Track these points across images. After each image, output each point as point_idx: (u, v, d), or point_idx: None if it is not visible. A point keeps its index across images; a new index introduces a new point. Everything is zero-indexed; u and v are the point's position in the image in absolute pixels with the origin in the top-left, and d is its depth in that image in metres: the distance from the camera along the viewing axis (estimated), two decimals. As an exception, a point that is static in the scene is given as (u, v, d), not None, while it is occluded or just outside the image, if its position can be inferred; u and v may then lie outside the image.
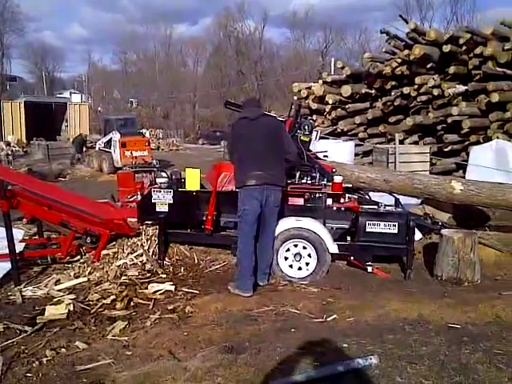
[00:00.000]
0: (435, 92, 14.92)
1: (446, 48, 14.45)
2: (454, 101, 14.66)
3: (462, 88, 14.44)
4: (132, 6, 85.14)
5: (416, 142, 15.38)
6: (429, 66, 15.20)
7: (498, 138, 12.82)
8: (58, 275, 5.12)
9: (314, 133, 5.52)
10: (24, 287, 4.87)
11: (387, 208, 4.97)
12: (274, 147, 4.52)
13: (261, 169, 4.40)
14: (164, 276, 5.04)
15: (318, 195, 4.95)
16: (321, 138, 13.59)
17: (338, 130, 16.52)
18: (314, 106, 17.10)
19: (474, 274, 4.65)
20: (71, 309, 4.28)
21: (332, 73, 36.23)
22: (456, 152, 14.59)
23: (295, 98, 19.04)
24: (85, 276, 5.06)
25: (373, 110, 16.14)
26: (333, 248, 4.74)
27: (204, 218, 5.14)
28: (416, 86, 15.29)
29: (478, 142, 13.58)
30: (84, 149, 19.23)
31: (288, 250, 4.87)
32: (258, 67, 53.32)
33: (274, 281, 4.84)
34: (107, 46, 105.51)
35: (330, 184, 5.06)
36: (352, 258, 4.92)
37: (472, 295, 4.36)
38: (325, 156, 6.02)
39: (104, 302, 4.46)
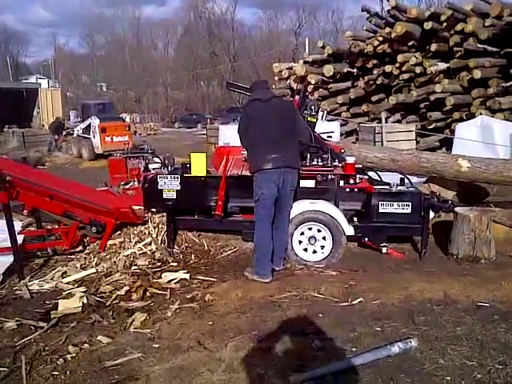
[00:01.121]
0: (417, 70, 14.95)
1: (428, 25, 14.44)
2: (435, 78, 14.72)
3: (443, 65, 14.50)
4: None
5: (399, 121, 15.43)
6: (410, 43, 15.19)
7: (481, 114, 12.96)
8: (63, 267, 4.93)
9: (320, 113, 5.40)
10: (29, 281, 4.67)
11: (399, 188, 4.92)
12: (288, 129, 4.40)
13: (277, 152, 4.27)
14: (175, 264, 4.90)
15: (330, 177, 4.85)
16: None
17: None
18: (296, 86, 16.95)
19: (490, 251, 4.66)
20: (85, 302, 4.11)
21: (307, 52, 36.08)
22: (439, 129, 14.73)
23: (276, 78, 18.89)
24: (92, 267, 4.88)
25: (355, 89, 16.09)
26: (349, 230, 4.68)
27: (212, 204, 5.01)
28: (398, 64, 15.27)
29: (461, 119, 13.70)
30: (63, 133, 18.61)
31: (302, 233, 4.79)
32: (230, 48, 52.61)
33: (289, 265, 4.76)
34: (73, 30, 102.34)
35: (341, 165, 4.98)
36: (366, 239, 4.87)
37: (492, 272, 4.37)
38: (328, 136, 5.91)
39: (118, 293, 4.30)
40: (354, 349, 3.15)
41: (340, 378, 2.80)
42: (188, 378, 2.91)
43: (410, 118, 15.22)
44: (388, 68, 15.40)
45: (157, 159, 8.05)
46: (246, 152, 4.54)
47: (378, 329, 3.41)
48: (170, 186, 4.98)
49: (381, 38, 15.28)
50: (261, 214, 4.35)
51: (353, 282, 4.22)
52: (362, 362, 2.94)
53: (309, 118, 5.19)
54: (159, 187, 5.00)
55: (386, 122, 14.44)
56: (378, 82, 16.08)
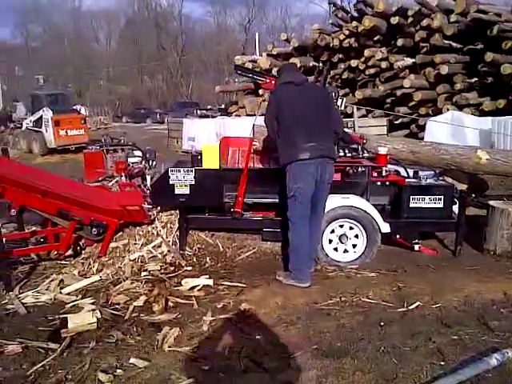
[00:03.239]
0: (383, 65, 14.95)
1: (394, 20, 14.46)
2: (401, 73, 14.77)
3: (409, 61, 14.56)
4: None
5: (364, 116, 15.38)
6: (376, 38, 15.18)
7: (448, 109, 13.10)
8: (57, 275, 4.25)
9: (340, 100, 4.99)
10: (20, 293, 3.97)
11: (429, 181, 4.61)
12: (324, 116, 3.95)
13: (314, 140, 3.81)
14: (190, 269, 4.35)
15: (360, 169, 4.45)
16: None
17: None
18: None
19: (528, 246, 4.45)
20: (99, 316, 3.48)
21: (257, 48, 35.82)
22: (406, 125, 14.80)
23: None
24: (93, 274, 4.24)
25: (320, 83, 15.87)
26: (385, 227, 4.30)
27: (228, 200, 4.50)
28: (364, 59, 15.24)
29: (427, 114, 13.82)
30: (10, 125, 17.14)
31: (333, 231, 4.37)
32: (178, 42, 51.29)
33: (318, 266, 4.33)
34: (5, 18, 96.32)
35: (369, 156, 4.61)
36: (398, 236, 4.51)
37: (539, 269, 4.15)
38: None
39: (135, 304, 3.72)
40: (442, 363, 2.77)
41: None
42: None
43: (376, 113, 15.20)
44: (354, 62, 15.33)
45: (137, 152, 7.42)
46: (278, 141, 4.01)
47: (455, 337, 3.06)
48: (182, 181, 4.41)
49: (347, 32, 15.16)
50: (297, 210, 3.88)
51: (400, 284, 3.86)
52: (464, 379, 2.56)
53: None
54: (171, 182, 4.41)
55: (352, 116, 14.31)
56: (343, 77, 15.98)
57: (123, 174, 5.96)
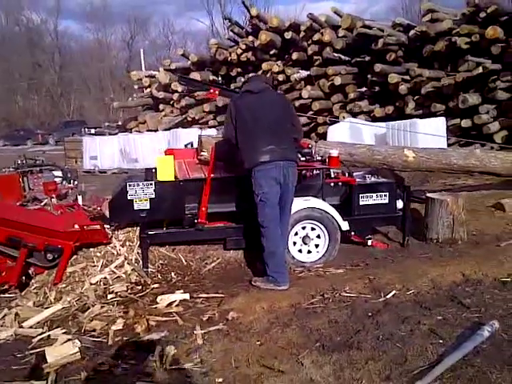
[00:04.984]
0: (280, 77, 15.60)
1: (288, 35, 15.20)
2: (297, 85, 15.52)
3: (305, 73, 15.35)
4: None
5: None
6: (272, 52, 15.79)
7: (343, 117, 14.02)
8: (9, 310, 3.84)
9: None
10: (-30, 333, 3.53)
11: (373, 179, 4.93)
12: (283, 122, 4.06)
13: (272, 143, 3.91)
14: (157, 286, 4.19)
15: (315, 172, 4.63)
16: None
17: (189, 119, 16.10)
18: (160, 94, 16.33)
19: (464, 232, 4.93)
20: (79, 345, 3.21)
21: (142, 63, 35.29)
22: (305, 133, 15.49)
23: (136, 87, 17.86)
24: (51, 304, 3.90)
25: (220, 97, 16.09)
26: (344, 225, 4.52)
27: (188, 212, 4.41)
28: (261, 72, 15.75)
29: (324, 123, 14.65)
30: None
31: (296, 233, 4.48)
32: (56, 59, 48.50)
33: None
34: None
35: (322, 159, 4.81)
36: (353, 233, 4.75)
37: (479, 251, 4.59)
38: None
39: (114, 328, 3.49)
40: (440, 341, 2.99)
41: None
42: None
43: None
44: (252, 76, 15.75)
45: (57, 172, 6.97)
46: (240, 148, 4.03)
47: (440, 317, 3.31)
48: (141, 195, 4.23)
49: (244, 47, 15.59)
50: (268, 214, 3.93)
51: (371, 277, 4.06)
52: (467, 351, 2.79)
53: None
54: (129, 197, 4.21)
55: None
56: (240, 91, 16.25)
57: (54, 196, 5.53)
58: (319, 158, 4.79)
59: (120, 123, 19.78)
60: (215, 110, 16.06)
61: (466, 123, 11.94)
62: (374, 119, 13.69)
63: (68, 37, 52.72)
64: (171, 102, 16.47)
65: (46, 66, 48.21)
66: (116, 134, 15.56)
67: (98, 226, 4.14)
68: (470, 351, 2.80)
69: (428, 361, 2.80)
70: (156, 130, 15.27)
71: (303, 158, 4.69)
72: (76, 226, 4.04)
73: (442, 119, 11.06)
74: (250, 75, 4.79)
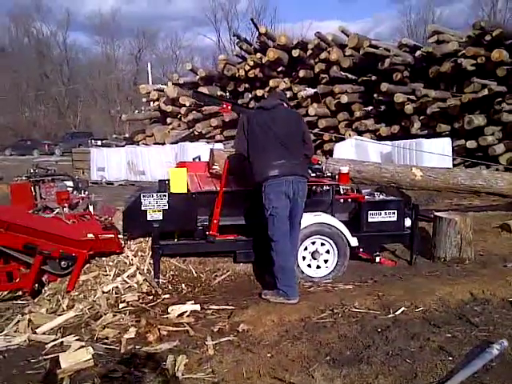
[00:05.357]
0: (287, 94, 15.76)
1: (296, 52, 15.40)
2: (304, 103, 15.69)
3: (311, 91, 15.53)
4: None
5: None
6: (279, 69, 15.99)
7: (349, 135, 14.14)
8: (23, 316, 3.89)
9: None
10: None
11: (381, 197, 5.00)
12: (294, 138, 4.15)
13: (282, 158, 3.99)
14: (167, 296, 4.24)
15: (325, 188, 4.71)
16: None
17: (196, 133, 16.26)
18: (168, 108, 16.51)
19: (472, 251, 4.98)
20: (92, 352, 3.26)
21: (149, 77, 35.63)
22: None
23: (144, 100, 18.13)
24: (63, 311, 3.95)
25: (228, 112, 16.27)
26: (353, 241, 4.57)
27: (200, 224, 4.48)
28: (268, 89, 15.95)
29: (330, 140, 14.78)
30: None
31: (306, 248, 4.54)
32: (64, 70, 49.03)
33: (295, 284, 4.46)
34: None
35: (331, 175, 4.89)
36: (361, 250, 4.81)
37: (486, 271, 4.64)
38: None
39: (126, 336, 3.53)
40: (450, 358, 3.03)
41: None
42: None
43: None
44: (259, 92, 15.96)
45: (68, 182, 7.06)
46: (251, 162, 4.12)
47: (449, 335, 3.36)
48: (155, 206, 4.31)
49: (252, 63, 15.79)
50: (279, 229, 4.00)
51: (379, 293, 4.10)
52: (477, 369, 2.84)
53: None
54: (143, 207, 4.29)
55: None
56: (250, 106, 16.49)
57: (66, 205, 5.61)
58: (329, 175, 4.87)
59: (127, 135, 19.96)
60: (222, 124, 16.22)
61: (471, 144, 12.03)
62: (380, 138, 13.79)
63: (76, 49, 53.42)
64: (179, 116, 16.63)
65: (53, 78, 48.73)
66: (123, 146, 15.68)
67: (112, 236, 4.21)
68: (480, 369, 2.85)
69: (438, 377, 2.84)
70: (163, 143, 15.41)
71: (313, 174, 4.76)
72: (90, 235, 4.10)
73: (448, 140, 11.13)
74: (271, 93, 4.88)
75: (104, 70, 48.40)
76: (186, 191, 4.52)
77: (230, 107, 5.22)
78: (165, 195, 4.34)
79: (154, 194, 4.32)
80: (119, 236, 4.43)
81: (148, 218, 4.32)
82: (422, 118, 13.13)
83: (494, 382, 2.71)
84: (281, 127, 4.10)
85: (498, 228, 5.82)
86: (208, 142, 14.39)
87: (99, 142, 28.03)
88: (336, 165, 5.66)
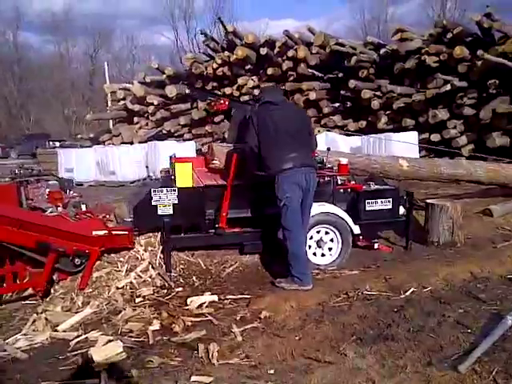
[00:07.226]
0: (256, 92, 15.87)
1: (263, 51, 15.52)
2: (271, 100, 15.82)
3: (279, 88, 15.70)
4: None
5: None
6: (247, 67, 16.08)
7: (319, 131, 14.42)
8: (39, 315, 3.84)
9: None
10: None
11: (377, 186, 5.20)
12: (302, 132, 4.30)
13: (294, 151, 4.14)
14: (180, 289, 4.29)
15: (327, 178, 4.87)
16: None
17: (164, 132, 16.13)
18: (135, 107, 16.30)
19: (462, 235, 5.27)
20: (121, 345, 3.28)
21: (106, 76, 34.94)
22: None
23: (109, 99, 17.77)
24: (78, 308, 3.93)
25: (196, 110, 16.21)
26: (356, 229, 4.75)
27: (208, 218, 4.55)
28: (237, 87, 16.01)
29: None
30: None
31: (311, 237, 4.68)
32: (15, 71, 47.23)
33: (303, 272, 4.59)
34: None
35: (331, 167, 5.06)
36: (361, 237, 5.00)
37: (479, 252, 4.94)
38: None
39: (152, 329, 3.57)
40: (469, 331, 3.25)
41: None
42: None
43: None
44: (228, 90, 15.98)
45: (53, 182, 6.94)
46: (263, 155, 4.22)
47: (461, 311, 3.58)
48: (166, 201, 4.34)
49: (220, 61, 15.79)
50: (291, 219, 4.12)
51: (387, 276, 4.30)
52: (497, 338, 3.05)
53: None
54: (153, 203, 4.32)
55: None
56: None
57: (60, 205, 5.53)
58: (329, 166, 5.03)
59: (92, 135, 19.53)
60: (190, 123, 16.18)
61: (435, 137, 12.57)
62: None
63: (28, 48, 51.49)
64: (146, 115, 16.45)
65: (3, 78, 46.91)
66: (90, 146, 15.35)
67: (125, 232, 4.21)
68: (499, 338, 3.07)
69: (462, 348, 3.04)
70: (131, 143, 15.20)
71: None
72: (102, 232, 4.10)
73: (415, 133, 11.58)
74: (264, 86, 5.01)
75: (57, 69, 46.94)
76: (191, 185, 4.57)
77: (227, 103, 5.29)
78: (174, 190, 4.39)
79: (164, 189, 4.36)
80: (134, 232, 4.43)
81: (159, 213, 4.35)
82: (388, 113, 13.58)
83: (513, 349, 2.93)
84: (291, 122, 4.23)
85: (479, 213, 6.15)
86: (177, 141, 14.32)
87: (57, 144, 27.33)
88: (330, 158, 5.83)
